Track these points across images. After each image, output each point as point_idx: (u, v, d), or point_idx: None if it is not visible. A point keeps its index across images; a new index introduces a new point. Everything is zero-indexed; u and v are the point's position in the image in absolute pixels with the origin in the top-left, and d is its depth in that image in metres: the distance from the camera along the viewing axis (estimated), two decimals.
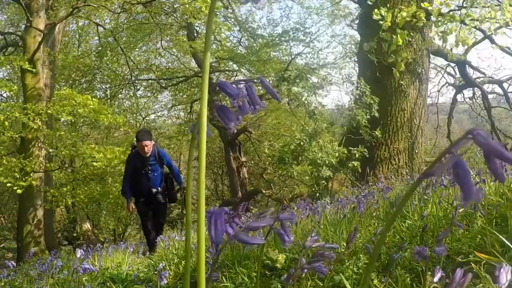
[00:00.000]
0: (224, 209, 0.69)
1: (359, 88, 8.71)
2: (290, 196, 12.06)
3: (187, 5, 9.99)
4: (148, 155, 5.46)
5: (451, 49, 7.00)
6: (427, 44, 8.19)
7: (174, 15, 12.38)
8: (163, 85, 14.29)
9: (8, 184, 8.02)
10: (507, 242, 1.61)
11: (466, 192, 0.44)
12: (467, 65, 11.52)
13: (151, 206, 5.60)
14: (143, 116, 17.47)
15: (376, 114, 8.45)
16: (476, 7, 5.60)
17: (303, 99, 8.83)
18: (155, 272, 3.14)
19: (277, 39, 12.96)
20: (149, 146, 5.42)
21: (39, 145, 8.95)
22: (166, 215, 5.91)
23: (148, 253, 5.24)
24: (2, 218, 16.79)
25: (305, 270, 0.93)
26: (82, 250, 3.47)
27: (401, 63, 5.41)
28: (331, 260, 0.92)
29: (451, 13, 6.38)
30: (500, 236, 1.66)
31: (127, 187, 5.57)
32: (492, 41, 7.55)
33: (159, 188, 5.58)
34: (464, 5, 5.93)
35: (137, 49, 14.97)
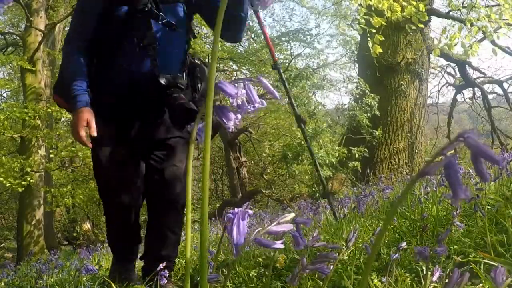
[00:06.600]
0: (247, 211, 0.69)
1: (359, 88, 8.73)
2: (290, 196, 12.07)
3: None
4: None
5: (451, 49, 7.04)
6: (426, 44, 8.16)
7: None
8: None
9: (8, 184, 8.03)
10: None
11: (455, 191, 0.48)
12: (467, 65, 11.52)
13: (142, 135, 1.98)
14: None
15: (377, 112, 8.46)
16: (476, 10, 5.61)
17: (303, 99, 8.85)
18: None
19: (277, 39, 12.96)
20: None
21: (39, 144, 8.96)
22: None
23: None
24: (2, 218, 16.79)
25: (307, 271, 0.94)
26: (85, 251, 3.47)
27: (377, 45, 5.41)
28: (332, 260, 0.93)
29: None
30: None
31: (77, 65, 1.86)
32: (494, 43, 7.55)
33: (178, 75, 1.93)
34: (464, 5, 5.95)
35: None
